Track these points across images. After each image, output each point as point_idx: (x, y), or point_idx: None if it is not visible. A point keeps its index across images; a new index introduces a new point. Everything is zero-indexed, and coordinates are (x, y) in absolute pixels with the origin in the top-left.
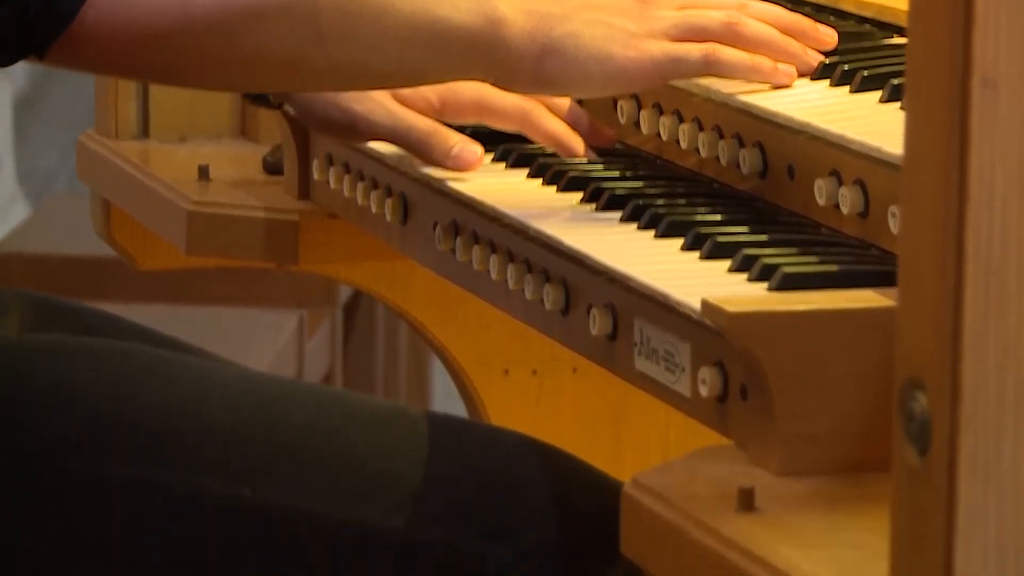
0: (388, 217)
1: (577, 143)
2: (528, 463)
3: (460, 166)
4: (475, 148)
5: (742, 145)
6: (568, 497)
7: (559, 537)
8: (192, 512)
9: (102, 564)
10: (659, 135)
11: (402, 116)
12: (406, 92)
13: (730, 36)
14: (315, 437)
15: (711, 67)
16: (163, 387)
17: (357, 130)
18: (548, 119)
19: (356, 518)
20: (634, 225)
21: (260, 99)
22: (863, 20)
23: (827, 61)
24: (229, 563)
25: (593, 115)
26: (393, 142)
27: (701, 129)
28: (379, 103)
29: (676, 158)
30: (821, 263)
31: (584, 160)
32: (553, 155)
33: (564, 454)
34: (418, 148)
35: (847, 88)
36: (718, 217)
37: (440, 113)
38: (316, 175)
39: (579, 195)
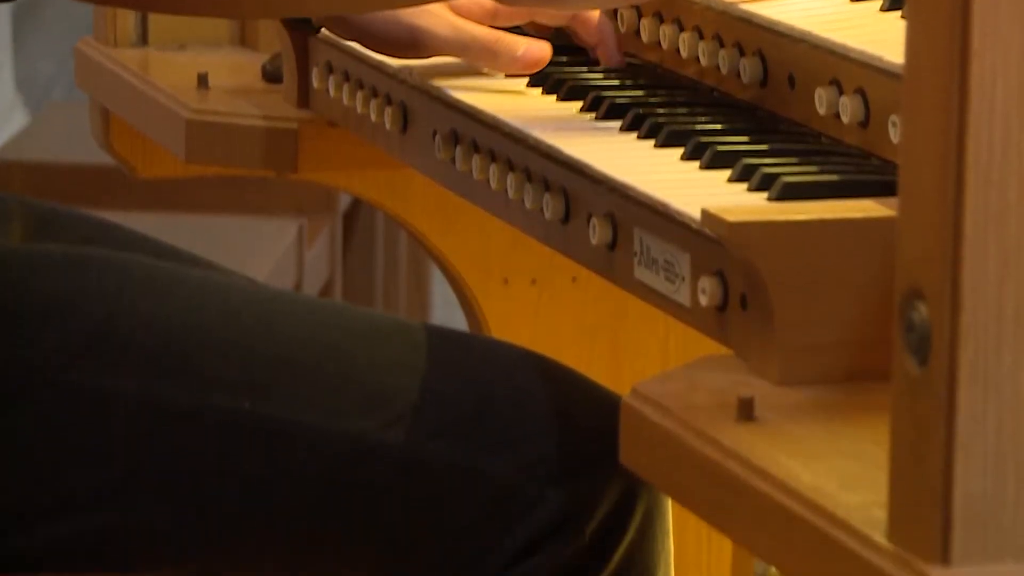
0: (388, 125)
1: (616, 50)
2: (528, 377)
3: (529, 66)
4: (542, 45)
5: (742, 54)
6: (567, 411)
7: (558, 451)
8: (191, 425)
9: (101, 476)
10: (659, 44)
11: (464, 28)
12: (462, 1)
13: None
14: (314, 351)
15: None
16: (163, 300)
17: (421, 46)
18: (595, 17)
19: (355, 432)
20: (634, 134)
21: (302, 22)
22: None
23: None
24: (227, 475)
25: None
26: (457, 55)
27: (701, 38)
28: (440, 16)
29: (676, 67)
30: (821, 172)
31: (586, 70)
32: (553, 64)
33: (563, 368)
34: (484, 57)
35: None
36: (718, 126)
37: (494, 18)
38: (315, 83)
39: (579, 104)
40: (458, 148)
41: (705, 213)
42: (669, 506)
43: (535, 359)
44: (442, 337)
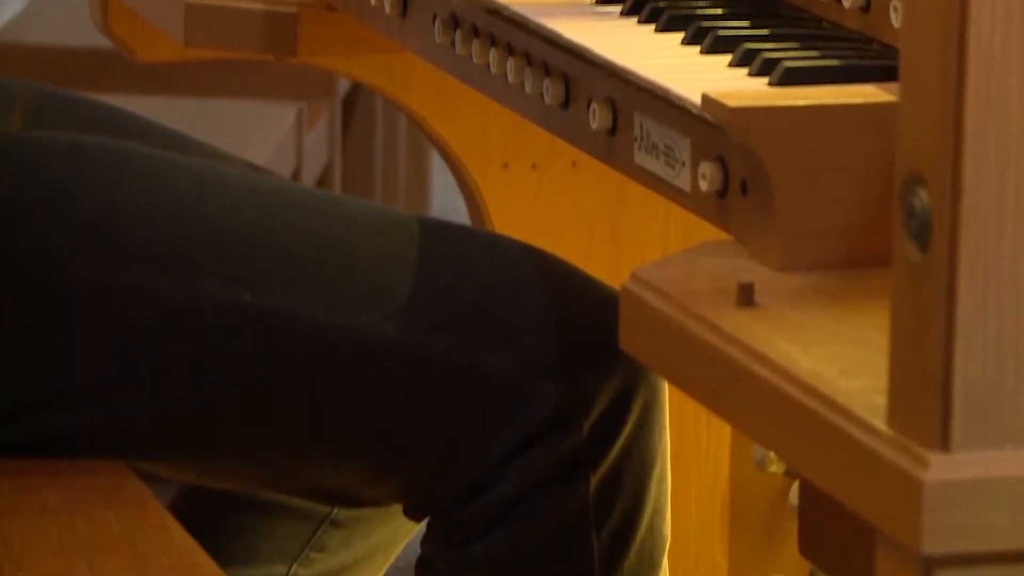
0: (387, 9)
1: None
2: (527, 272)
3: None
4: None
5: None
6: (566, 306)
7: (557, 346)
8: (191, 316)
9: (101, 367)
10: None
11: None
12: None
13: None
14: (315, 243)
15: None
16: (163, 191)
17: None
18: None
19: (354, 325)
20: (635, 19)
21: None
22: None
23: None
24: (226, 367)
25: None
26: None
27: None
28: None
29: None
30: (822, 57)
31: None
32: None
33: (562, 263)
34: None
35: None
36: (719, 11)
37: None
38: None
39: None
40: (458, 32)
41: (706, 98)
42: (667, 402)
43: (535, 254)
44: (442, 231)
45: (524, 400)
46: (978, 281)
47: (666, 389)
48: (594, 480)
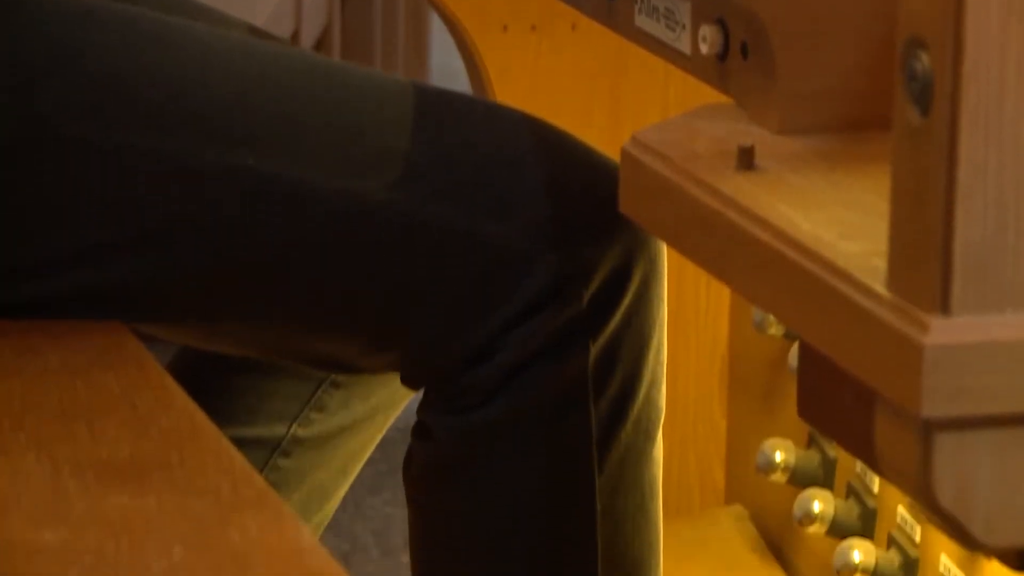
0: None
1: None
2: (527, 142)
3: None
4: None
5: None
6: (567, 177)
7: (557, 216)
8: (193, 179)
9: (102, 230)
10: None
11: None
12: None
13: None
14: (318, 109)
15: None
16: (168, 54)
17: None
18: None
19: (355, 190)
20: None
21: None
22: None
23: None
24: (229, 230)
25: None
26: None
27: None
28: None
29: None
30: None
31: None
32: None
33: (562, 134)
34: None
35: None
36: None
37: None
38: None
39: None
40: None
41: None
42: (665, 273)
43: (535, 125)
44: (442, 100)
45: (524, 269)
46: (979, 144)
47: (665, 260)
48: (593, 350)
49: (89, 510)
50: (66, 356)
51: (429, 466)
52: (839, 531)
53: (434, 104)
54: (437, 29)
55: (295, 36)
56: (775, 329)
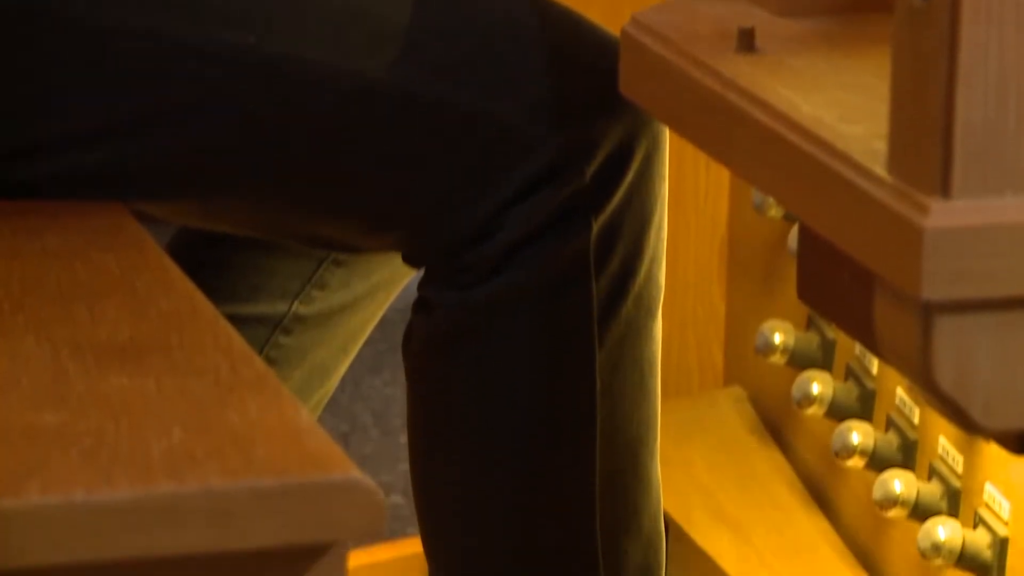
0: None
1: None
2: (530, 20)
3: None
4: None
5: None
6: (569, 55)
7: (559, 94)
8: (195, 59)
9: (102, 109)
10: None
11: None
12: None
13: None
14: None
15: None
16: None
17: None
18: None
19: (357, 68)
20: None
21: None
22: None
23: None
24: (231, 110)
25: None
26: None
27: None
28: None
29: None
30: None
31: None
32: None
33: (565, 10)
34: None
35: None
36: None
37: None
38: None
39: None
40: None
41: None
42: (667, 151)
43: (538, 2)
44: None
45: (526, 146)
46: (980, 26)
47: (667, 138)
48: (595, 226)
49: (89, 391)
50: (65, 237)
51: (429, 340)
52: (837, 413)
53: None
54: None
55: None
56: (775, 211)
